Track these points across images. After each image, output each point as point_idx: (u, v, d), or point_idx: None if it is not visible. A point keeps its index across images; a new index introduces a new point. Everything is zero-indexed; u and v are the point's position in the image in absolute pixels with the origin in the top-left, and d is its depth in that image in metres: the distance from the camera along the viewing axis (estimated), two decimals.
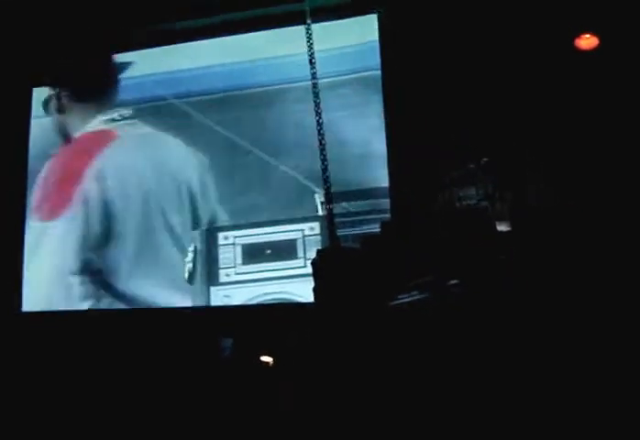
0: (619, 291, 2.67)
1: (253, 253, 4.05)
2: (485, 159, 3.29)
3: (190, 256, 4.13)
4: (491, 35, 3.52)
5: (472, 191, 3.41)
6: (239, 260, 4.07)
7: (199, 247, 4.14)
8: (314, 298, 2.81)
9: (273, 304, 3.96)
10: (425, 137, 3.64)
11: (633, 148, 3.21)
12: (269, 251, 4.02)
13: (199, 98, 4.28)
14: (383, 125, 3.86)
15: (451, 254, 2.80)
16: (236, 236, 4.10)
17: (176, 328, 3.96)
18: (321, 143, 3.49)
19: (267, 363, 3.50)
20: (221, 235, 4.13)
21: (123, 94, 4.45)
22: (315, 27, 3.57)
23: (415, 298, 2.62)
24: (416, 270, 2.76)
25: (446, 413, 2.36)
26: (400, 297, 2.63)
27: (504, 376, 2.35)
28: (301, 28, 3.59)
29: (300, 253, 3.97)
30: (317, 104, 3.49)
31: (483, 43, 3.53)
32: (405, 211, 3.58)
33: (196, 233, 4.16)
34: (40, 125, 4.56)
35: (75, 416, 3.81)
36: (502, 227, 3.13)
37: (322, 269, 2.83)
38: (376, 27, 3.93)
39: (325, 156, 3.48)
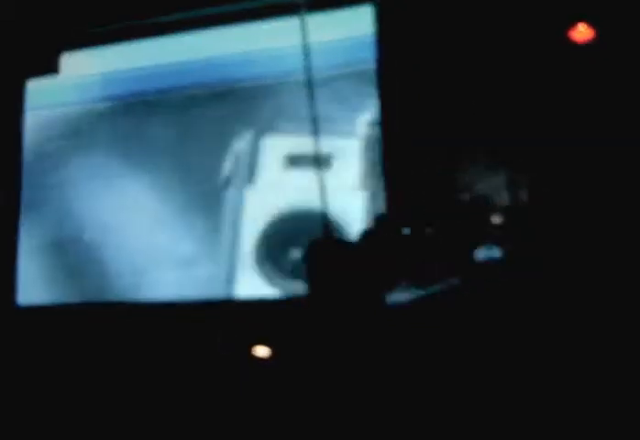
0: (614, 288, 2.68)
1: (292, 160, 4.02)
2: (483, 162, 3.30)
3: (232, 158, 4.13)
4: (487, 27, 3.51)
5: (468, 188, 3.41)
6: (279, 165, 4.06)
7: (241, 149, 4.12)
8: (308, 290, 2.81)
9: (268, 298, 3.96)
10: (421, 130, 3.64)
11: (631, 144, 3.20)
12: (306, 160, 3.91)
13: (194, 91, 4.27)
14: (378, 118, 3.85)
15: (446, 249, 2.80)
16: (278, 143, 4.06)
17: (174, 321, 3.96)
18: (315, 136, 3.48)
19: (262, 356, 3.51)
20: (264, 140, 4.10)
21: (115, 87, 4.44)
22: (310, 18, 3.56)
23: (410, 292, 2.63)
24: (410, 265, 2.76)
25: (440, 408, 2.37)
26: (394, 291, 2.64)
27: (500, 368, 2.36)
28: (295, 20, 3.57)
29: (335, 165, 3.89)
30: (312, 97, 3.49)
31: (479, 36, 3.51)
32: (400, 205, 3.58)
33: (240, 136, 4.13)
34: (34, 118, 4.55)
35: (71, 410, 3.82)
36: (497, 222, 3.14)
37: (315, 261, 2.83)
38: (371, 19, 3.92)
39: (319, 149, 3.48)
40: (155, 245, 4.21)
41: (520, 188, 3.35)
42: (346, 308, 2.61)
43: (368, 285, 2.67)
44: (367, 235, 2.93)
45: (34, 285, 4.37)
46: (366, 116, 3.88)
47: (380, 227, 3.01)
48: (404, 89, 3.69)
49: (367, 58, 3.90)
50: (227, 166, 4.13)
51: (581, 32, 3.34)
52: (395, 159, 3.75)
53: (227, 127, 4.17)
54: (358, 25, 3.93)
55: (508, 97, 3.43)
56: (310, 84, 3.51)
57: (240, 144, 4.14)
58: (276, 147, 4.08)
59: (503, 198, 3.36)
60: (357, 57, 3.93)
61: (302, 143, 3.90)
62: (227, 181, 4.12)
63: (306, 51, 3.53)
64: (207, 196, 4.18)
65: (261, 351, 3.52)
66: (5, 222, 4.44)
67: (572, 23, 3.35)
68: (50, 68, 4.48)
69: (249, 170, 4.11)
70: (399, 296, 2.64)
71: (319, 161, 3.56)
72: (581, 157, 3.27)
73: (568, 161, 3.29)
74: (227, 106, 4.19)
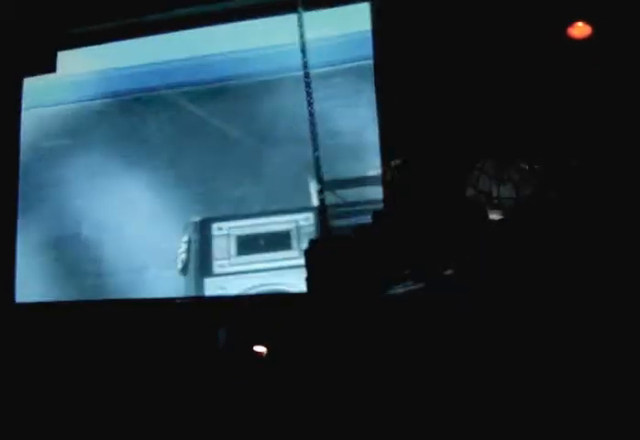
0: (611, 285, 2.67)
1: (247, 244, 4.04)
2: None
3: (183, 247, 4.12)
4: (484, 23, 3.51)
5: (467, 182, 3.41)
6: (234, 251, 4.06)
7: (193, 237, 4.12)
8: (307, 287, 2.81)
9: (267, 294, 3.96)
10: (418, 127, 3.64)
11: (632, 144, 3.20)
12: (263, 242, 4.02)
13: (191, 89, 4.27)
14: (376, 114, 3.86)
15: (444, 243, 2.80)
16: (230, 227, 4.09)
17: (171, 319, 3.96)
18: (313, 133, 3.49)
19: (261, 353, 3.51)
20: (215, 225, 4.12)
21: (112, 85, 4.43)
22: (307, 15, 3.56)
23: (409, 287, 2.63)
24: (409, 260, 2.76)
25: (440, 404, 2.36)
26: (393, 287, 2.63)
27: (498, 366, 2.35)
28: (292, 17, 3.58)
29: (294, 244, 3.97)
30: (309, 94, 3.49)
31: (477, 32, 3.52)
32: (397, 201, 3.58)
33: (190, 223, 4.15)
34: (31, 116, 4.55)
35: (68, 408, 3.82)
36: (495, 217, 3.14)
37: (315, 258, 2.83)
38: (369, 15, 3.93)
39: (317, 146, 3.48)
40: (152, 242, 4.21)
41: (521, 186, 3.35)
42: (345, 303, 2.61)
43: (366, 280, 2.67)
44: (364, 230, 2.93)
45: (32, 282, 4.38)
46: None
47: (378, 222, 3.01)
48: (402, 85, 3.69)
49: (364, 55, 3.91)
50: (182, 254, 4.12)
51: (579, 28, 3.35)
52: (392, 156, 3.75)
53: (224, 125, 4.17)
54: (356, 22, 3.94)
55: (506, 94, 3.43)
56: (307, 81, 3.51)
57: (190, 232, 4.13)
58: (227, 232, 4.08)
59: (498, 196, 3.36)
60: (354, 54, 3.94)
61: (252, 225, 3.97)
62: (184, 269, 4.11)
63: (304, 48, 3.53)
64: (204, 195, 4.20)
65: (261, 349, 3.52)
66: (4, 220, 4.44)
67: (570, 19, 3.37)
68: (47, 66, 4.49)
69: (204, 258, 4.09)
70: (397, 291, 2.64)
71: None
72: (582, 156, 3.27)
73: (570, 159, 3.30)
74: (224, 104, 4.20)
